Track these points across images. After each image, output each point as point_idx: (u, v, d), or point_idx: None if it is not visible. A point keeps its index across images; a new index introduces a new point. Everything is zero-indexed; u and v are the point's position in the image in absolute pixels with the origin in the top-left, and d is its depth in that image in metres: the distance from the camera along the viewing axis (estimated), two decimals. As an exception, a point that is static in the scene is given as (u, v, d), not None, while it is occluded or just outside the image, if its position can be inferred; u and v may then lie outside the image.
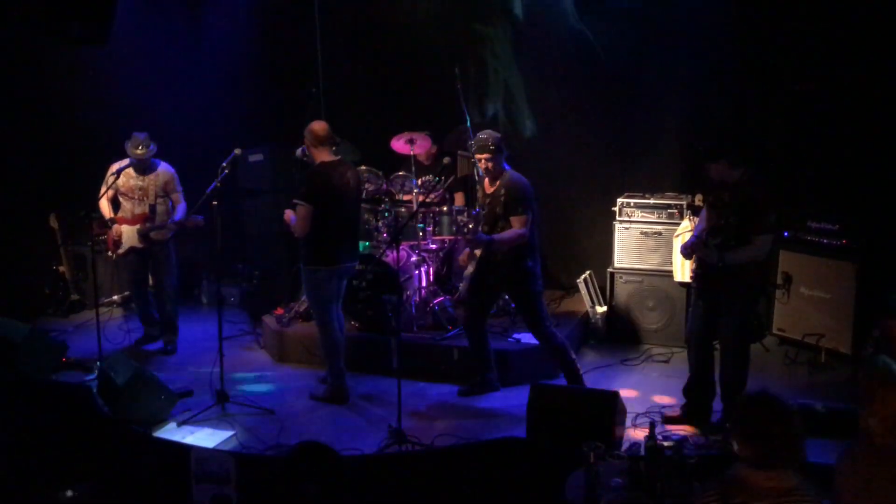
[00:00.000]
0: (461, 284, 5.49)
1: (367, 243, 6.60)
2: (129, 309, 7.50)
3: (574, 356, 5.47)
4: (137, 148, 6.17)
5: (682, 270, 6.21)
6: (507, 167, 5.36)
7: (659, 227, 6.55)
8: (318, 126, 5.43)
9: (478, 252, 5.33)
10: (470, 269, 5.37)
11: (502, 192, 5.25)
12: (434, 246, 6.57)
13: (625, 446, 4.47)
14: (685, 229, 6.04)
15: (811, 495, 2.64)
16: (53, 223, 7.42)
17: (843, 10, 6.03)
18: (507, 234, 5.22)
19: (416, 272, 6.47)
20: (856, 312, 5.86)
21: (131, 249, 6.36)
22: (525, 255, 5.27)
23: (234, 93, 8.02)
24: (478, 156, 5.37)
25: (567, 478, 3.58)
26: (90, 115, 7.35)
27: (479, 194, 5.55)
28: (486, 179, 5.40)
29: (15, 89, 7.10)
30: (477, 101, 7.42)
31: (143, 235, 6.30)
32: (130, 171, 6.25)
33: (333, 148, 5.51)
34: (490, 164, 5.29)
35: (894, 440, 2.79)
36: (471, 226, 5.26)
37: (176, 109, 7.65)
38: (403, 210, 6.56)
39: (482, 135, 5.33)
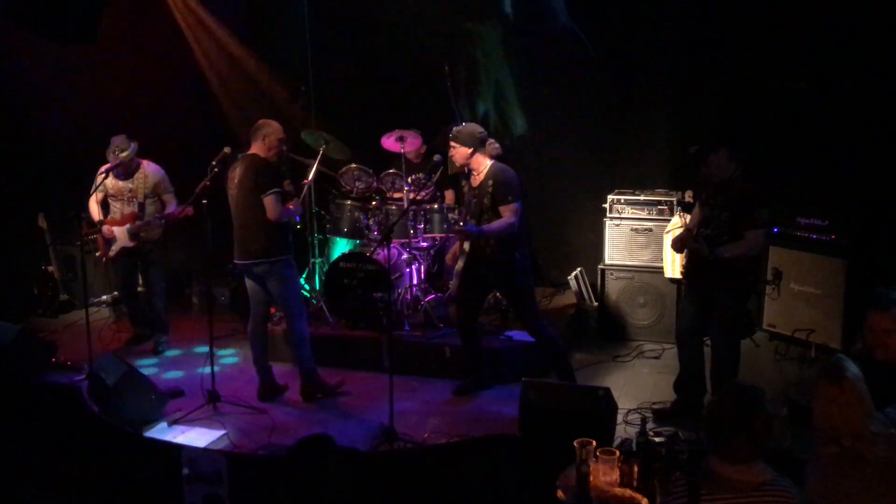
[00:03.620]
0: (451, 282, 5.49)
1: (357, 241, 6.59)
2: (119, 309, 7.47)
3: (566, 352, 5.47)
4: (121, 152, 6.10)
5: (673, 267, 6.23)
6: (491, 160, 5.28)
7: (649, 224, 6.56)
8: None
9: (466, 247, 5.29)
10: (459, 264, 5.34)
11: (489, 183, 5.19)
12: (425, 244, 6.56)
13: (616, 442, 4.47)
14: (675, 226, 6.05)
15: (786, 490, 2.61)
16: (42, 223, 7.38)
17: (833, 9, 6.05)
18: (495, 224, 5.15)
19: (407, 270, 6.46)
20: (845, 308, 5.88)
21: (122, 250, 6.33)
22: (513, 249, 5.22)
23: (224, 91, 7.98)
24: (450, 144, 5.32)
25: (559, 474, 3.59)
26: (79, 115, 7.31)
27: (465, 190, 5.51)
28: (472, 175, 5.35)
29: (2, 88, 7.06)
30: (467, 99, 7.41)
31: (133, 234, 6.28)
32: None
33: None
34: (454, 154, 5.25)
35: (858, 444, 2.77)
36: (460, 221, 5.22)
37: (165, 108, 7.61)
38: (394, 208, 6.55)
39: (459, 126, 5.29)
